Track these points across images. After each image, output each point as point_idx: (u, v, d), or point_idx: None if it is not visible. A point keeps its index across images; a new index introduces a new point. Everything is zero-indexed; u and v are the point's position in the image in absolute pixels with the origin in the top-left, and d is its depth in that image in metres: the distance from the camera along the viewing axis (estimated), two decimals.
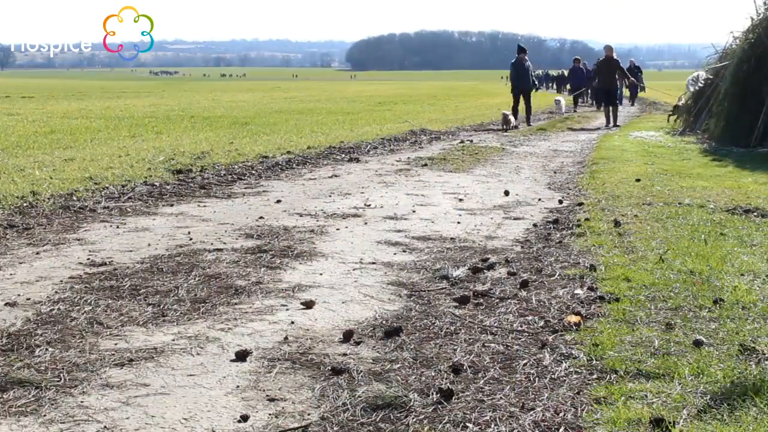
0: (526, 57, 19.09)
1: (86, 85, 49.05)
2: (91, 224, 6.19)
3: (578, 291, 4.30)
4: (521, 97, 18.74)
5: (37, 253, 5.16)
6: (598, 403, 2.86)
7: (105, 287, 4.35)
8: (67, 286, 4.36)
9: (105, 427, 2.69)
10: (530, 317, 3.89)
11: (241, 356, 3.32)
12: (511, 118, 17.30)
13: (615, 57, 19.72)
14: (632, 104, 29.97)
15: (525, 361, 3.29)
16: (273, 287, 4.43)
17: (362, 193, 8.02)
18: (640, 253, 5.11)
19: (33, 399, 2.88)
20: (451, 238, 5.81)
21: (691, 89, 15.39)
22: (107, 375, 3.12)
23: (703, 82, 15.00)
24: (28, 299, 4.11)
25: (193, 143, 12.05)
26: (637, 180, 8.60)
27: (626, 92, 28.98)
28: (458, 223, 6.48)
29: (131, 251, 5.27)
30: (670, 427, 2.62)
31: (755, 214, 6.51)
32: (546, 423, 2.72)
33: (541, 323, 3.79)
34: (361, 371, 3.17)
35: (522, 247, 5.56)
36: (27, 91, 33.67)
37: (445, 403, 2.87)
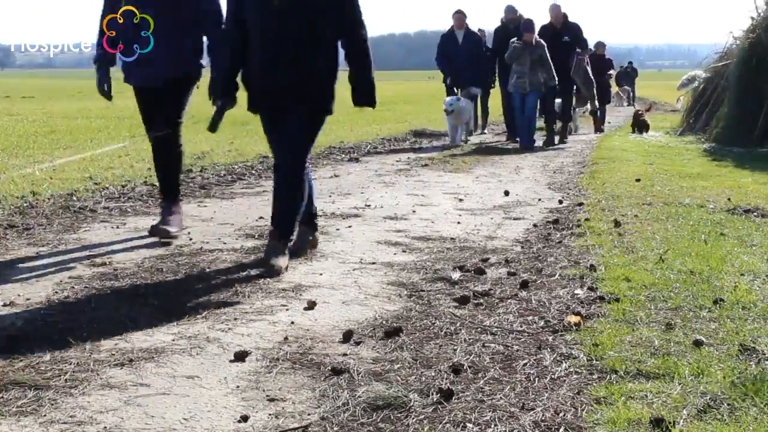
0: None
1: (86, 85, 49.02)
2: (91, 224, 6.19)
3: (578, 291, 4.30)
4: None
5: (37, 253, 5.16)
6: (598, 404, 2.86)
7: (105, 287, 4.36)
8: (67, 286, 4.36)
9: (105, 427, 2.68)
10: (530, 317, 3.89)
11: (241, 356, 3.32)
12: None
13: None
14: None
15: (525, 361, 3.29)
16: (273, 287, 4.42)
17: (362, 193, 8.02)
18: (640, 253, 5.11)
19: (33, 399, 2.88)
20: (452, 238, 5.81)
21: (683, 90, 15.34)
22: (107, 375, 3.12)
23: (698, 82, 15.00)
24: (28, 299, 4.11)
25: (193, 143, 12.02)
26: (637, 180, 8.60)
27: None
28: (458, 223, 6.48)
29: (131, 251, 5.27)
30: (670, 427, 2.62)
31: (755, 214, 6.51)
32: (546, 423, 2.72)
33: (541, 323, 3.79)
34: (361, 371, 3.16)
35: (522, 247, 5.56)
36: (27, 91, 33.61)
37: (445, 404, 2.87)
